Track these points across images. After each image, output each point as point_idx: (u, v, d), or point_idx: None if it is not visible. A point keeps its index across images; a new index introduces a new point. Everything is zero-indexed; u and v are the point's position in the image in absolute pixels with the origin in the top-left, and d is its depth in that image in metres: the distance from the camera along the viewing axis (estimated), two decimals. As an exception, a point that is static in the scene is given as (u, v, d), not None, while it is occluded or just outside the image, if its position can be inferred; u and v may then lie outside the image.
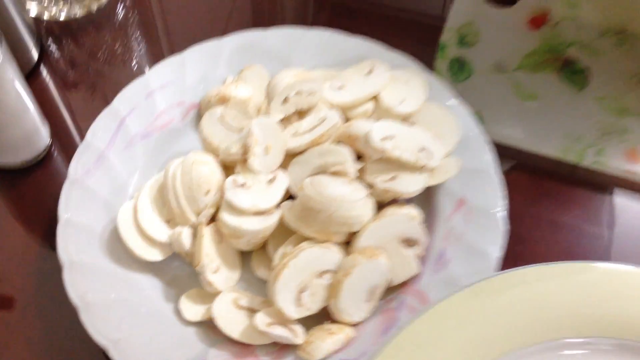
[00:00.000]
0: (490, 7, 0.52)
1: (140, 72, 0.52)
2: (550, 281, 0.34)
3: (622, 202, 0.44)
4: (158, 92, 0.46)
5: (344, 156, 0.40)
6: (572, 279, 0.34)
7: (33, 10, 0.55)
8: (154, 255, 0.40)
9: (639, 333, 0.34)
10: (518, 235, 0.43)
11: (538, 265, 0.34)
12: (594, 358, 0.33)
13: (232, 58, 0.48)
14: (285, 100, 0.43)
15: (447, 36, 0.50)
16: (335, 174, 0.40)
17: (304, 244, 0.38)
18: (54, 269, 0.39)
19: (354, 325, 0.38)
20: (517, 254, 0.42)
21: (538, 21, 0.51)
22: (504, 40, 0.50)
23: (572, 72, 0.49)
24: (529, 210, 0.44)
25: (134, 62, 0.53)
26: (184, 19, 0.56)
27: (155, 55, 0.54)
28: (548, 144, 0.46)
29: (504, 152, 0.46)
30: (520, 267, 0.34)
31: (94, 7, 0.56)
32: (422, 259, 0.40)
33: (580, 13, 0.51)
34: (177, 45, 0.54)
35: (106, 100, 0.47)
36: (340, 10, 0.56)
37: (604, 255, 0.42)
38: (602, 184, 0.45)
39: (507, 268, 0.34)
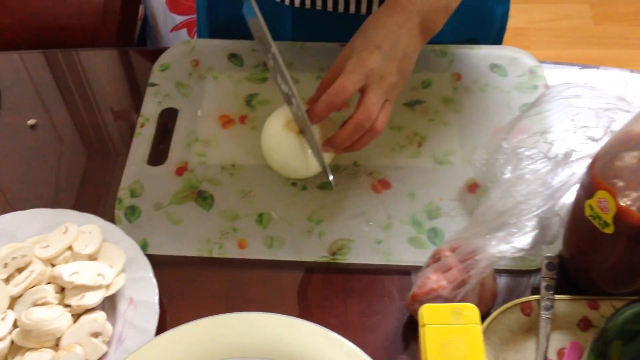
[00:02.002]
0: (150, 167, 0.79)
1: None
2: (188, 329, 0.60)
3: (263, 275, 0.71)
4: None
5: (47, 292, 0.65)
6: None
7: None
8: None
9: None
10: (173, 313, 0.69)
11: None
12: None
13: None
14: (5, 265, 0.66)
15: (122, 193, 0.77)
16: (44, 304, 0.64)
17: (29, 352, 0.62)
18: None
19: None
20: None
21: (181, 170, 0.79)
22: (160, 187, 0.77)
23: (203, 198, 0.76)
24: (182, 294, 0.70)
25: None
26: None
27: None
28: (190, 248, 0.72)
29: (164, 260, 0.71)
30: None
31: None
32: (108, 343, 0.64)
33: (207, 160, 0.79)
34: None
35: None
36: (56, 186, 0.81)
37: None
38: (236, 265, 0.72)
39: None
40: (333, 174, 0.74)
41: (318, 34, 0.90)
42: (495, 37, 0.96)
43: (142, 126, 0.82)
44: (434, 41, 0.75)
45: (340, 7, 0.86)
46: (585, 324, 0.65)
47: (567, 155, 0.64)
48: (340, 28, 0.82)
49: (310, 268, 0.71)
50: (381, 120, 0.69)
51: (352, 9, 0.86)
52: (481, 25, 0.92)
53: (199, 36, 1.02)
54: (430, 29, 0.72)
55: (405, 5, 0.70)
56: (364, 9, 0.86)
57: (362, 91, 0.69)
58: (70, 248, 0.69)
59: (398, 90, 0.71)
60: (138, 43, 1.70)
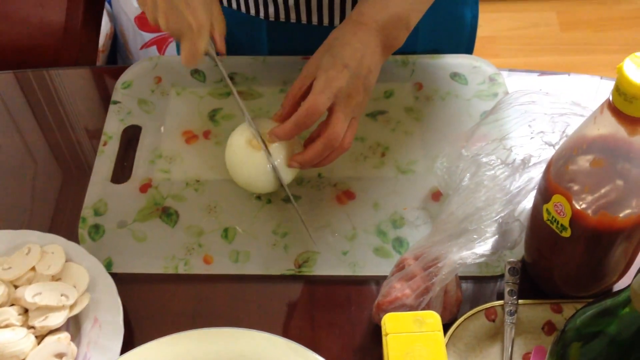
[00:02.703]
0: (114, 185, 0.79)
1: None
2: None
3: (230, 290, 0.71)
4: None
5: (10, 314, 0.64)
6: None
7: None
8: None
9: None
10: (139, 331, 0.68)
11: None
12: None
13: None
14: (-34, 288, 0.66)
15: (86, 212, 0.76)
16: (7, 326, 0.64)
17: (-9, 376, 0.61)
18: None
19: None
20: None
21: (145, 187, 0.79)
22: (124, 204, 0.77)
23: (168, 215, 0.76)
24: (149, 312, 0.70)
25: None
26: None
27: None
28: (155, 265, 0.72)
29: (129, 278, 0.71)
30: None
31: None
32: (72, 363, 0.64)
33: (172, 176, 0.79)
34: None
35: None
36: None
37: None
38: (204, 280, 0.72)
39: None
40: (297, 186, 0.74)
41: (293, 46, 0.90)
42: (467, 41, 0.97)
43: (104, 144, 0.82)
44: (408, 49, 0.76)
45: (314, 19, 0.87)
46: (549, 328, 0.66)
47: (525, 161, 0.65)
48: (315, 40, 0.83)
49: (276, 281, 0.71)
50: (348, 138, 0.70)
51: (326, 21, 0.87)
52: (453, 30, 0.94)
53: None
54: (391, 46, 0.72)
55: (368, 22, 0.71)
56: (337, 21, 0.87)
57: (330, 109, 0.69)
58: (33, 269, 0.69)
59: (363, 107, 0.72)
60: (109, 61, 1.69)
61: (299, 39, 0.90)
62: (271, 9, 0.88)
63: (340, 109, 0.69)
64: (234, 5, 0.90)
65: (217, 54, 0.75)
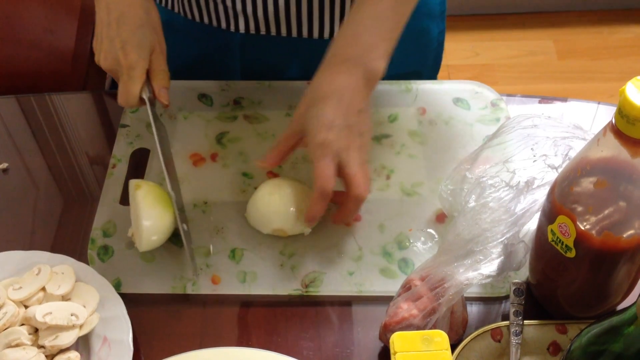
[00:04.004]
0: (123, 207, 0.80)
1: None
2: None
3: (237, 310, 0.72)
4: None
5: (20, 333, 0.65)
6: None
7: None
8: None
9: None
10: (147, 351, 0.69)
11: None
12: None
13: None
14: (-23, 307, 0.66)
15: (95, 233, 0.77)
16: (17, 345, 0.64)
17: (2, 395, 0.61)
18: None
19: None
20: None
21: (153, 208, 0.79)
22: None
23: (176, 236, 0.77)
24: (157, 332, 0.71)
25: None
26: None
27: None
28: (163, 285, 0.73)
29: (138, 298, 0.72)
30: None
31: None
32: (82, 382, 0.64)
33: (179, 199, 0.80)
34: None
35: None
36: (29, 228, 0.82)
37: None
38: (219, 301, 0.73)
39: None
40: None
41: (265, 57, 0.93)
42: (434, 56, 0.98)
43: (114, 167, 0.83)
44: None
45: (283, 31, 0.89)
46: (554, 348, 0.67)
47: (529, 183, 0.66)
48: (291, 52, 0.87)
49: (283, 301, 0.72)
50: (367, 185, 0.71)
51: (294, 32, 0.89)
52: (420, 45, 0.95)
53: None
54: (373, 77, 0.72)
55: (343, 61, 0.71)
56: (305, 32, 0.89)
57: (341, 167, 0.69)
58: (43, 289, 0.69)
59: (367, 147, 0.72)
60: (112, 87, 1.71)
61: (274, 52, 0.92)
62: (243, 23, 0.89)
63: (349, 165, 0.69)
64: (206, 20, 0.91)
65: (153, 103, 0.77)
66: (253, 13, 0.87)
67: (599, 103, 0.90)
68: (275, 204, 0.74)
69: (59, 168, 0.86)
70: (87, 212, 0.81)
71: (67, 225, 0.81)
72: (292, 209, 0.74)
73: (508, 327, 0.67)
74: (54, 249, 0.75)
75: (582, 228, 0.58)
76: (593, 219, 0.58)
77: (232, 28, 0.90)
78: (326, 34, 0.89)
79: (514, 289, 0.69)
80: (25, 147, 0.89)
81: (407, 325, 0.64)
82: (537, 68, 2.28)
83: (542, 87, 2.23)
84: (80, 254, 0.74)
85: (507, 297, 0.71)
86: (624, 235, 0.58)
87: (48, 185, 0.85)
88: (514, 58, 2.31)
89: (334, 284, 0.72)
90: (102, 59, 0.76)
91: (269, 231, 0.75)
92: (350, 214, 0.72)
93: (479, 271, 0.64)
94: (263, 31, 0.90)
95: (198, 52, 0.94)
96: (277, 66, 0.94)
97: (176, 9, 0.92)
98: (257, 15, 0.88)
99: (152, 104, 0.77)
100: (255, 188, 0.79)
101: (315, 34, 0.89)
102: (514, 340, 0.66)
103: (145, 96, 0.76)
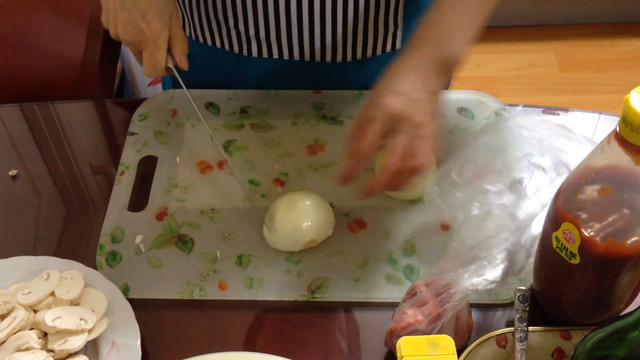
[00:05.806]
0: (131, 213, 0.80)
1: None
2: None
3: (244, 316, 0.72)
4: None
5: (30, 337, 0.65)
6: None
7: None
8: None
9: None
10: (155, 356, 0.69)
11: None
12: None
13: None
14: (-12, 312, 0.67)
15: (103, 239, 0.78)
16: (27, 349, 0.65)
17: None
18: None
19: None
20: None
21: (161, 215, 0.80)
22: (141, 231, 0.79)
23: (183, 242, 0.78)
24: (164, 337, 0.71)
25: None
26: None
27: None
28: (171, 291, 0.74)
29: (146, 303, 0.72)
30: None
31: None
32: (91, 386, 0.65)
33: (187, 205, 0.81)
34: None
35: None
36: (37, 234, 0.82)
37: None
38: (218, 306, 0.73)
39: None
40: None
41: (278, 76, 0.93)
42: None
43: (122, 174, 0.84)
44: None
45: (295, 54, 0.90)
46: (559, 355, 0.67)
47: (529, 189, 0.67)
48: (299, 71, 0.87)
49: (290, 307, 0.73)
50: (419, 157, 0.67)
51: (307, 56, 0.90)
52: None
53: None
54: (451, 62, 0.71)
55: (422, 44, 0.71)
56: (317, 57, 0.90)
57: (390, 137, 0.68)
58: (52, 294, 0.70)
59: (428, 128, 0.69)
60: (116, 97, 1.73)
61: (287, 75, 0.93)
62: (256, 47, 0.90)
63: (396, 135, 0.67)
64: (218, 44, 0.92)
65: (179, 70, 0.78)
66: (266, 37, 0.88)
67: (600, 113, 0.91)
68: (297, 220, 0.75)
69: (66, 174, 0.87)
70: (93, 218, 0.82)
71: (73, 232, 0.81)
72: (312, 219, 0.75)
73: (513, 333, 0.67)
74: (60, 255, 0.75)
75: (587, 235, 0.59)
76: (597, 225, 0.59)
77: (245, 52, 0.91)
78: (339, 58, 0.91)
79: (519, 296, 0.70)
80: (30, 155, 0.90)
81: (412, 331, 0.65)
82: (539, 80, 2.30)
83: (543, 99, 2.24)
84: (85, 260, 0.75)
85: (511, 304, 0.71)
86: (628, 242, 0.59)
87: (55, 192, 0.86)
88: (516, 70, 2.32)
89: (340, 290, 0.73)
90: (122, 31, 0.74)
91: (301, 247, 0.76)
92: (376, 184, 0.69)
93: (484, 277, 0.64)
94: (276, 55, 0.91)
95: (212, 75, 0.94)
96: (288, 84, 0.94)
97: (187, 32, 0.93)
98: (269, 40, 0.88)
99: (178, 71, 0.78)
100: (263, 196, 0.80)
101: (328, 58, 0.90)
102: (518, 346, 0.66)
103: (170, 65, 0.76)
